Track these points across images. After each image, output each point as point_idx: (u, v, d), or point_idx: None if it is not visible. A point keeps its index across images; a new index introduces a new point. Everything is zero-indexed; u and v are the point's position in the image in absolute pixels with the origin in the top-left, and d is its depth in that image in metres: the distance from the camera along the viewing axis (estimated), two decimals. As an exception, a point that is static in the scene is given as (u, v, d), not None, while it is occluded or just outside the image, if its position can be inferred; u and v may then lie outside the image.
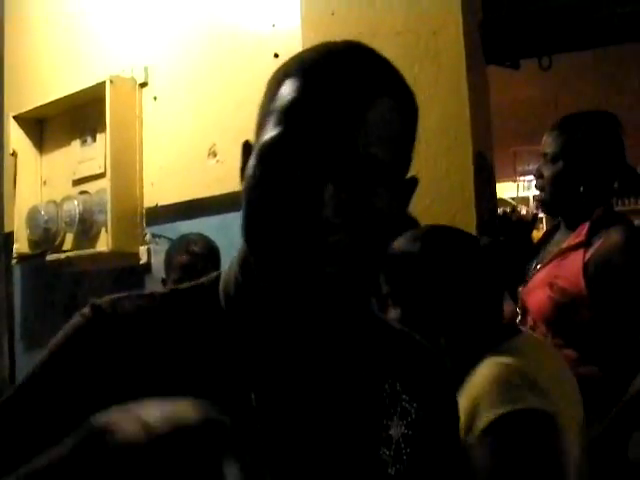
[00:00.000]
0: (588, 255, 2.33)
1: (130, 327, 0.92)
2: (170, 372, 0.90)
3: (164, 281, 3.06)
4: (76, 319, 0.93)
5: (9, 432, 0.87)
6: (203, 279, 1.03)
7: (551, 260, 2.46)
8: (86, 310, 0.93)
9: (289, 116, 0.86)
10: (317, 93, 0.86)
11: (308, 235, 0.84)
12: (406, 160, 0.94)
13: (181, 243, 3.06)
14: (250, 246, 0.91)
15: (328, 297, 0.89)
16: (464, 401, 1.46)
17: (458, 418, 1.11)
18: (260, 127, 0.92)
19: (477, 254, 1.67)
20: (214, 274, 1.03)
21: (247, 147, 0.95)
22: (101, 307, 0.93)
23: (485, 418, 1.44)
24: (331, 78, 0.86)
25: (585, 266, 2.31)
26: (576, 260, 2.34)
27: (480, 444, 1.43)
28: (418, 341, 1.11)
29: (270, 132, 0.88)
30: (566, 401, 1.58)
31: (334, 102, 0.85)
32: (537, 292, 2.43)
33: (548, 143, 2.55)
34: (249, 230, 0.89)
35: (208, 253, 2.96)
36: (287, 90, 0.88)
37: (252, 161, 0.90)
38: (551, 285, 2.37)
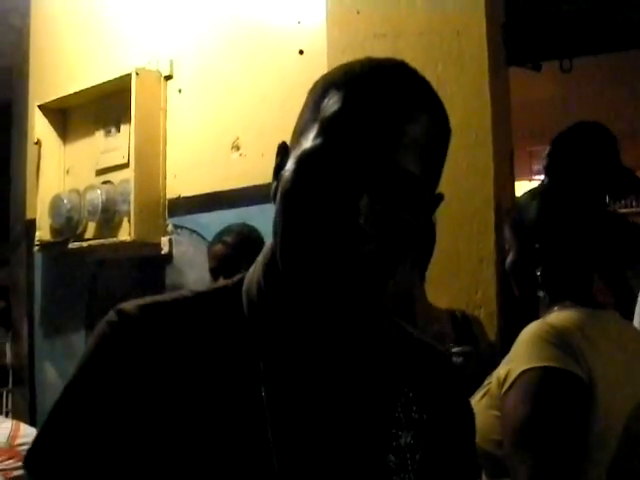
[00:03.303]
0: None
1: (154, 335, 0.95)
2: (190, 381, 0.93)
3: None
4: (103, 327, 0.96)
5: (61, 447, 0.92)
6: (228, 281, 1.06)
7: None
8: (112, 316, 0.96)
9: (331, 127, 0.90)
10: (360, 107, 0.90)
11: (342, 242, 0.87)
12: (436, 178, 0.98)
13: (219, 233, 3.05)
14: (282, 250, 0.92)
15: (351, 304, 0.92)
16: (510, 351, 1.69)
17: (472, 429, 1.12)
18: (301, 133, 0.95)
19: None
20: (239, 275, 1.05)
21: (284, 148, 0.99)
22: (127, 314, 0.96)
23: (515, 372, 1.62)
24: (374, 93, 0.90)
25: None
26: None
27: (506, 395, 1.63)
28: (435, 350, 1.13)
29: (312, 141, 0.91)
30: (620, 378, 1.68)
31: (376, 117, 0.89)
32: None
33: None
34: (283, 234, 0.92)
35: (241, 243, 2.93)
36: (331, 101, 0.92)
37: (291, 166, 0.93)
38: None
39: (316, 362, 0.96)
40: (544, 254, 1.81)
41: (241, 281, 1.04)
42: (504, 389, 1.64)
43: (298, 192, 0.90)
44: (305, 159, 0.91)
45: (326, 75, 0.98)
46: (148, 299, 0.99)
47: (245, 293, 1.01)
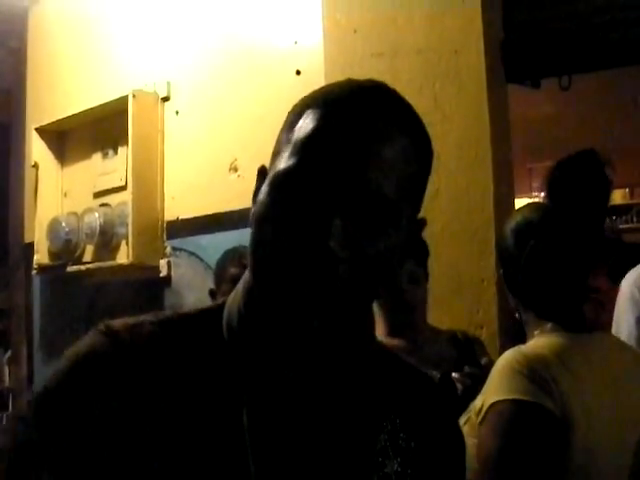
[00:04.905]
0: None
1: (136, 354, 0.93)
2: (168, 405, 0.90)
3: (213, 293, 2.94)
4: (90, 339, 0.94)
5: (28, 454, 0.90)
6: (212, 303, 1.04)
7: None
8: (101, 330, 0.94)
9: (305, 148, 0.88)
10: (335, 127, 0.88)
11: (313, 265, 0.85)
12: (417, 202, 0.96)
13: (234, 256, 2.93)
14: (255, 271, 0.91)
15: (326, 328, 0.90)
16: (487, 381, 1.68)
17: (461, 454, 1.09)
18: (276, 154, 0.93)
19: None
20: (224, 298, 1.02)
21: (263, 172, 0.96)
22: (115, 330, 0.94)
23: (487, 403, 1.61)
24: (351, 114, 0.88)
25: None
26: None
27: (480, 427, 1.61)
28: (423, 375, 1.11)
29: (285, 162, 0.89)
30: (602, 405, 1.64)
31: (351, 138, 0.87)
32: None
33: None
34: (255, 255, 0.90)
35: None
36: (306, 122, 0.90)
37: (264, 188, 0.91)
38: None
39: (297, 389, 0.93)
40: (517, 277, 1.78)
41: (224, 303, 1.01)
42: (478, 420, 1.62)
43: (270, 213, 0.88)
44: (277, 180, 0.89)
45: (304, 97, 0.96)
46: (133, 319, 0.97)
47: (225, 317, 0.98)
